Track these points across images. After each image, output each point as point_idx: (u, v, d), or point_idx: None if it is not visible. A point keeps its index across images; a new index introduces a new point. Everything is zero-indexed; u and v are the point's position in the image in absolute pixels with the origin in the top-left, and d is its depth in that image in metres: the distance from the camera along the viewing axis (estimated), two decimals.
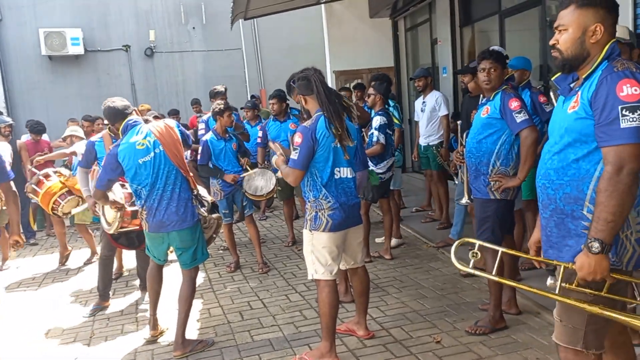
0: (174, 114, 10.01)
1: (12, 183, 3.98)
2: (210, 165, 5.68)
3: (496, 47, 4.28)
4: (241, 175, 5.66)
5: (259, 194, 5.83)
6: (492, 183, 3.74)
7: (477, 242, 2.55)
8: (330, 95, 3.47)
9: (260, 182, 5.79)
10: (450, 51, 8.11)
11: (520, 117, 3.60)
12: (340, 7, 10.32)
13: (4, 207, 4.91)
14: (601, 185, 2.02)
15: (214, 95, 6.90)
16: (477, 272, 2.53)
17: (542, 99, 4.76)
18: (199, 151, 5.72)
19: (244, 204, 5.83)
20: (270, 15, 10.27)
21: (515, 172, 3.71)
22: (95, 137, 5.12)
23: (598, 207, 2.02)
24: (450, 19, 8.07)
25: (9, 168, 4.01)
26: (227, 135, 5.76)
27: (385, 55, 10.58)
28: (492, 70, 3.78)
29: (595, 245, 2.01)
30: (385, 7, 9.94)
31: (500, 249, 2.54)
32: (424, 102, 6.69)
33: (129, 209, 4.38)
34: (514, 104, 3.63)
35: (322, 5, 10.14)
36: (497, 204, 3.77)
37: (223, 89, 7.25)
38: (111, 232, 4.49)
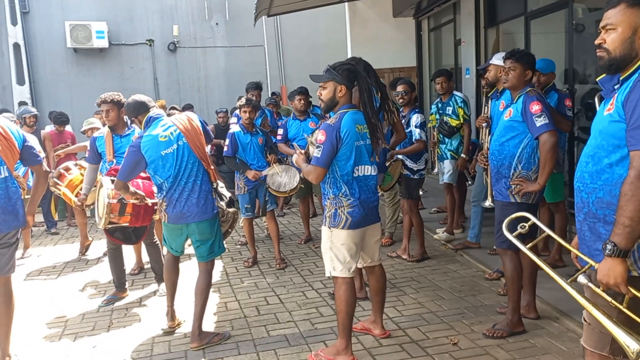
0: (189, 108, 10.08)
1: (44, 164, 4.01)
2: (237, 160, 5.72)
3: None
4: (263, 174, 5.68)
5: (282, 190, 5.83)
6: (513, 186, 3.71)
7: (532, 219, 2.52)
8: (370, 93, 3.51)
9: (284, 179, 5.81)
10: (474, 52, 8.04)
11: (540, 121, 3.55)
12: (364, 6, 10.30)
13: (27, 196, 4.99)
14: (623, 188, 1.99)
15: (248, 88, 6.88)
16: (520, 245, 2.48)
17: (568, 102, 4.70)
18: (226, 143, 5.76)
19: (266, 199, 5.85)
20: (293, 13, 10.28)
21: (537, 177, 3.67)
22: (97, 133, 5.18)
23: (618, 210, 2.00)
24: (474, 19, 8.00)
25: (40, 156, 4.05)
26: (254, 130, 5.80)
27: (407, 55, 10.53)
28: (511, 69, 3.76)
29: (608, 247, 1.99)
30: (409, 7, 9.90)
31: (548, 231, 2.48)
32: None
33: (150, 201, 4.44)
34: (535, 107, 3.57)
35: (346, 3, 10.12)
36: (518, 208, 3.68)
37: (258, 83, 7.15)
38: (100, 226, 4.58)
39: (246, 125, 5.74)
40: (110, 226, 4.62)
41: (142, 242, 5.59)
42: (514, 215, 2.71)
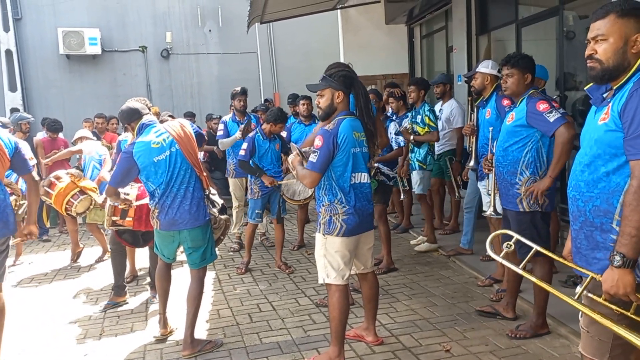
0: (190, 116, 10.04)
1: (34, 174, 4.03)
2: (251, 164, 5.73)
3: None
4: (279, 182, 5.67)
5: (297, 198, 5.79)
6: (525, 197, 3.65)
7: (515, 236, 2.52)
8: (367, 99, 3.55)
9: (299, 187, 5.78)
10: (466, 59, 8.09)
11: (553, 116, 3.49)
12: (356, 13, 10.36)
13: (23, 201, 4.99)
14: (626, 198, 1.99)
15: (233, 96, 6.87)
16: (505, 263, 2.49)
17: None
18: (244, 147, 5.75)
19: (280, 205, 5.86)
20: (286, 20, 10.31)
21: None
22: (122, 137, 5.20)
23: (623, 220, 2.00)
24: (466, 27, 8.05)
25: (31, 163, 4.06)
26: (272, 136, 5.83)
27: (400, 62, 10.59)
28: (509, 76, 3.76)
29: (617, 259, 1.99)
30: (401, 14, 9.96)
31: (536, 247, 2.47)
32: (441, 109, 6.67)
33: (135, 203, 4.45)
34: (542, 105, 3.54)
35: (339, 10, 10.16)
36: (532, 216, 3.67)
37: (240, 90, 7.16)
38: (105, 227, 4.73)
39: (266, 132, 5.78)
40: (113, 228, 4.66)
41: (136, 250, 5.60)
42: (497, 232, 2.75)
